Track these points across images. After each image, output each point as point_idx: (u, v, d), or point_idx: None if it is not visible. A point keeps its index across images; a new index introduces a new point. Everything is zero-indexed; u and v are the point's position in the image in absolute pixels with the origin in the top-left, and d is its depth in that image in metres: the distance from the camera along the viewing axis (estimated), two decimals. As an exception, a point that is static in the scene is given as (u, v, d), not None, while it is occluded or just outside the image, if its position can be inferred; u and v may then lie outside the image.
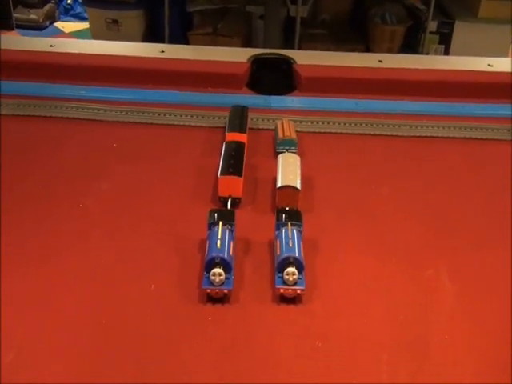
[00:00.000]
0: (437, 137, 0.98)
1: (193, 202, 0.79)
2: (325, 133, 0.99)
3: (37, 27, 2.59)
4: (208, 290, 0.62)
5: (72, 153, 0.89)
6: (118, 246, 0.71)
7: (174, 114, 0.99)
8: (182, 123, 0.98)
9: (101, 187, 0.81)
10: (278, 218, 0.71)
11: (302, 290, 0.63)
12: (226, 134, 0.88)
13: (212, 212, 0.71)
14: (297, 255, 0.65)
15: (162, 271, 0.67)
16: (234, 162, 0.80)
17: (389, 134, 0.99)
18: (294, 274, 0.63)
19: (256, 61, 1.12)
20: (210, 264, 0.63)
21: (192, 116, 1.00)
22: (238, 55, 1.13)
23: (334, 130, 0.99)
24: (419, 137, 0.98)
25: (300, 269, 0.64)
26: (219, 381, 0.55)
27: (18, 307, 0.62)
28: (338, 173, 0.88)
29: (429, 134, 0.98)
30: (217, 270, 0.62)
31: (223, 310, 0.62)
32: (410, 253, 0.72)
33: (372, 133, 0.99)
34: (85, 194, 0.79)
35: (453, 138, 0.98)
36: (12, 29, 2.53)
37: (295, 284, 0.63)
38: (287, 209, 0.73)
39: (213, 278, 0.62)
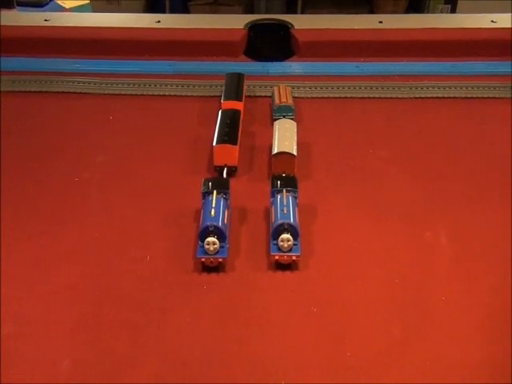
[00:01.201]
0: (438, 97, 0.95)
1: (189, 173, 0.77)
2: (323, 98, 0.95)
3: (37, 4, 2.54)
4: (203, 259, 0.61)
5: (68, 127, 0.88)
6: (113, 218, 0.70)
7: (169, 84, 0.97)
8: (177, 93, 0.95)
9: (96, 160, 0.80)
10: (273, 185, 0.69)
11: (298, 256, 0.62)
12: (222, 102, 0.86)
13: (206, 181, 0.69)
14: (292, 221, 0.63)
15: (157, 242, 0.66)
16: (230, 131, 0.78)
17: (389, 96, 0.95)
18: (288, 241, 0.62)
19: (253, 27, 1.09)
20: (204, 233, 0.62)
21: (188, 86, 0.97)
22: (235, 22, 1.09)
23: (332, 95, 0.96)
24: (420, 98, 0.94)
25: (295, 235, 0.63)
26: (215, 348, 0.55)
27: (17, 280, 0.62)
28: (336, 138, 0.85)
29: (430, 95, 0.95)
30: (211, 239, 0.61)
31: (218, 279, 0.61)
32: (408, 215, 0.70)
33: (372, 96, 0.95)
34: (80, 167, 0.78)
35: (454, 97, 0.94)
36: (13, 7, 2.49)
37: (290, 250, 0.62)
38: (283, 175, 0.71)
39: (207, 246, 0.61)
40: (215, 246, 0.61)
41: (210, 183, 0.68)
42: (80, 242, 0.66)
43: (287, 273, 0.62)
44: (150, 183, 0.75)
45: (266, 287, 0.61)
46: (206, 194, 0.67)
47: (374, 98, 0.95)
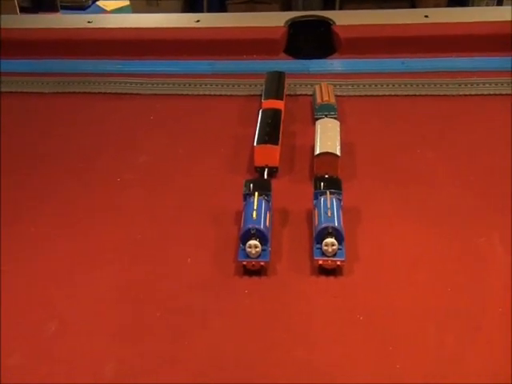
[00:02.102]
0: (489, 94, 0.90)
1: (229, 173, 0.75)
2: (367, 96, 0.92)
3: (80, 7, 2.60)
4: (244, 263, 0.60)
5: (110, 127, 0.88)
6: (154, 219, 0.69)
7: (208, 83, 0.96)
8: (217, 93, 0.94)
9: (138, 160, 0.79)
10: (316, 187, 0.66)
11: (342, 261, 0.59)
12: (262, 101, 0.84)
13: (247, 182, 0.67)
14: (336, 225, 0.60)
15: (198, 244, 0.65)
16: (270, 130, 0.76)
17: (437, 94, 0.91)
18: (333, 245, 0.59)
19: (293, 25, 1.06)
20: (246, 236, 0.60)
21: (227, 85, 0.96)
22: (274, 20, 1.07)
23: (376, 93, 0.92)
24: (470, 95, 0.90)
25: (340, 239, 0.60)
26: (256, 354, 0.53)
27: (62, 279, 0.62)
28: (381, 138, 0.82)
29: (480, 92, 0.90)
30: (253, 242, 0.59)
31: (260, 283, 0.59)
32: (459, 220, 0.66)
33: (418, 93, 0.91)
34: (123, 167, 0.78)
35: (506, 94, 0.89)
36: (57, 10, 2.55)
37: (335, 255, 0.59)
38: (326, 177, 0.69)
39: (249, 250, 0.59)
40: (257, 250, 0.59)
41: (252, 184, 0.66)
42: (122, 242, 0.66)
43: (331, 278, 0.60)
44: (190, 184, 0.74)
45: (309, 293, 0.58)
46: (248, 195, 0.65)
47: (420, 95, 0.91)
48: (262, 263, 0.60)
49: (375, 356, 0.52)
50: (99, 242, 0.66)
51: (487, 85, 0.91)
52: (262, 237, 0.60)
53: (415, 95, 0.91)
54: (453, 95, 0.90)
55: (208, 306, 0.57)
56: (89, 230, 0.68)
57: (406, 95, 0.91)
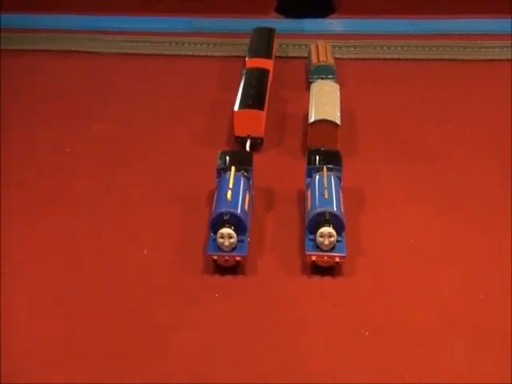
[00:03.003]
0: (505, 59, 0.75)
1: (204, 145, 0.60)
2: (371, 59, 0.77)
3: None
4: (215, 257, 0.45)
5: (64, 89, 0.72)
6: (105, 200, 0.53)
7: (186, 42, 0.80)
8: (195, 53, 0.79)
9: (93, 129, 0.64)
10: (310, 162, 0.51)
11: (343, 257, 0.45)
12: (246, 59, 0.69)
13: (223, 154, 0.52)
14: (335, 210, 0.46)
15: (157, 232, 0.50)
16: (255, 93, 0.61)
17: (451, 58, 0.77)
18: (330, 236, 0.45)
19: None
20: (218, 222, 0.45)
21: (207, 44, 0.80)
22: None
23: (382, 56, 0.77)
24: (487, 60, 0.76)
25: (339, 229, 0.45)
26: (226, 380, 0.39)
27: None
28: (389, 107, 0.66)
29: (497, 57, 0.76)
30: (226, 231, 0.44)
31: (235, 284, 0.44)
32: (485, 205, 0.52)
33: (430, 57, 0.77)
34: (73, 136, 0.63)
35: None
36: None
37: (333, 249, 0.45)
38: (322, 150, 0.54)
39: (221, 240, 0.45)
40: (231, 241, 0.45)
41: (228, 157, 0.51)
42: (65, 230, 0.50)
43: (328, 279, 0.45)
44: (156, 158, 0.59)
45: (299, 299, 0.44)
46: (222, 170, 0.50)
47: (431, 59, 0.76)
48: (238, 258, 0.45)
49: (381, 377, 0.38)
50: (41, 231, 0.51)
51: (505, 49, 0.76)
52: (238, 224, 0.45)
53: (426, 59, 0.76)
54: (470, 60, 0.76)
55: (164, 317, 0.42)
56: (23, 214, 0.53)
57: (415, 59, 0.77)
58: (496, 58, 0.76)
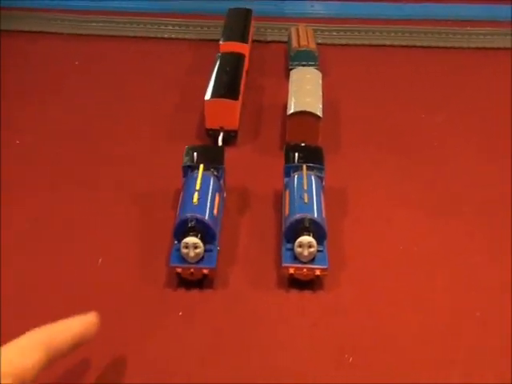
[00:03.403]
0: (501, 48, 0.70)
1: (171, 139, 0.53)
2: (356, 45, 0.71)
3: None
4: (179, 270, 0.39)
5: (19, 73, 0.64)
6: (60, 201, 0.47)
7: (155, 24, 0.73)
8: (164, 35, 0.72)
9: (48, 116, 0.56)
10: (289, 159, 0.45)
11: (324, 269, 0.39)
12: (220, 43, 0.62)
13: (190, 150, 0.45)
14: (315, 216, 0.40)
15: (115, 239, 0.43)
16: (229, 81, 0.55)
17: (442, 45, 0.72)
18: (310, 246, 0.39)
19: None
20: (182, 230, 0.39)
21: (179, 26, 0.73)
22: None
23: (368, 42, 0.71)
24: (478, 48, 0.70)
25: (320, 237, 0.40)
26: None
27: None
28: (374, 96, 0.61)
29: (491, 45, 0.71)
30: (191, 240, 0.38)
31: (201, 301, 0.38)
32: (482, 208, 0.47)
33: (417, 44, 0.72)
34: (24, 127, 0.55)
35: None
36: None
37: (313, 261, 0.39)
38: (302, 145, 0.48)
39: (185, 251, 0.38)
40: (197, 251, 0.38)
41: (196, 153, 0.45)
42: (15, 231, 0.44)
43: (307, 294, 0.39)
44: (116, 152, 0.52)
45: (275, 317, 0.38)
46: (189, 169, 0.44)
47: (419, 46, 0.71)
48: (205, 271, 0.39)
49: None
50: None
51: (502, 36, 0.71)
52: (205, 231, 0.39)
53: (415, 46, 0.71)
54: (461, 47, 0.71)
55: (118, 338, 0.36)
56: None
57: (402, 45, 0.71)
58: (487, 45, 0.71)
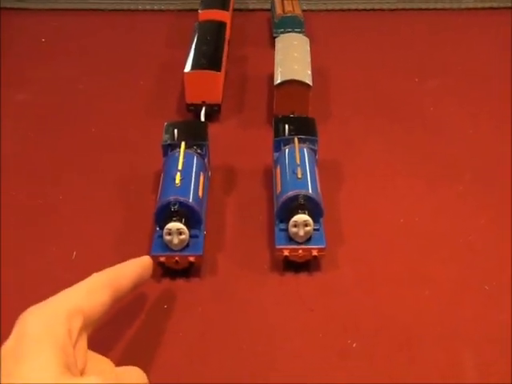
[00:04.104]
0: (494, 8, 0.66)
1: (150, 116, 0.49)
2: (342, 10, 0.66)
3: None
4: (162, 259, 0.35)
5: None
6: (29, 185, 0.42)
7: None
8: (139, 7, 0.66)
9: (16, 98, 0.51)
10: (278, 132, 0.41)
11: (322, 249, 0.35)
12: (199, 11, 0.57)
13: (170, 126, 0.41)
14: (310, 192, 0.36)
15: (90, 228, 0.39)
16: (210, 51, 0.50)
17: (431, 7, 0.67)
18: (306, 225, 0.35)
19: None
20: (164, 215, 0.35)
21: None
22: None
23: (354, 6, 0.66)
24: (469, 9, 0.65)
25: (316, 215, 0.36)
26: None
27: None
28: (365, 63, 0.56)
29: (481, 6, 0.66)
30: (174, 226, 0.34)
31: (188, 291, 0.35)
32: (484, 176, 0.43)
33: (409, 7, 0.67)
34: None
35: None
36: None
37: (309, 241, 0.36)
38: (292, 116, 0.44)
39: (168, 238, 0.34)
40: (182, 237, 0.34)
41: (176, 130, 0.40)
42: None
43: (303, 277, 0.35)
44: (93, 131, 0.47)
45: (269, 303, 0.34)
46: (169, 147, 0.39)
47: (410, 9, 0.66)
48: (192, 259, 0.35)
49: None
50: None
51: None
52: (190, 216, 0.35)
53: (404, 9, 0.66)
54: (452, 9, 0.66)
55: (97, 337, 0.32)
56: None
57: (392, 9, 0.66)
58: (479, 6, 0.66)
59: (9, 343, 0.23)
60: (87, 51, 0.58)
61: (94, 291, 0.26)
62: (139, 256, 0.35)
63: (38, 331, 0.23)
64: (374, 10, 0.66)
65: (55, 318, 0.23)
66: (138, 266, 0.30)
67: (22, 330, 0.23)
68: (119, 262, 0.35)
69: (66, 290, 0.25)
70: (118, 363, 0.31)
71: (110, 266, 0.36)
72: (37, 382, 0.21)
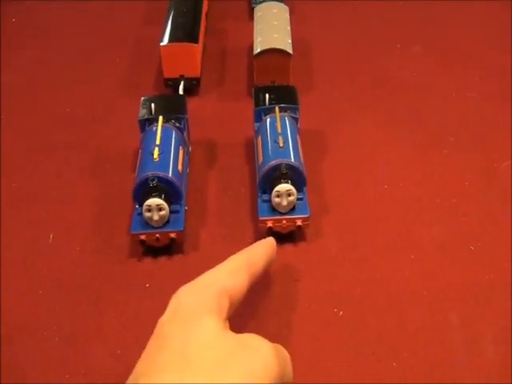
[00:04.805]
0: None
1: (125, 92, 0.47)
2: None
3: None
4: (142, 237, 0.33)
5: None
6: (3, 169, 0.40)
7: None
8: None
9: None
10: (259, 101, 0.39)
11: (306, 218, 0.34)
12: (174, -16, 0.55)
13: (146, 101, 0.39)
14: (293, 161, 0.34)
15: (68, 208, 0.37)
16: (187, 23, 0.47)
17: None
18: (289, 195, 0.34)
19: None
20: (143, 191, 0.33)
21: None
22: None
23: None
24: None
25: (299, 184, 0.34)
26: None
27: None
28: (346, 31, 0.54)
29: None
30: (154, 201, 0.32)
31: (171, 268, 0.33)
32: (471, 141, 0.42)
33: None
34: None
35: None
36: None
37: (293, 210, 0.34)
38: (272, 86, 0.42)
39: (148, 214, 0.33)
40: (162, 213, 0.33)
41: (154, 104, 0.38)
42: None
43: (288, 247, 0.34)
44: (68, 109, 0.45)
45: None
46: (147, 122, 0.38)
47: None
48: (173, 235, 0.33)
49: (368, 375, 0.29)
50: None
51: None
52: (170, 191, 0.33)
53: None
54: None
55: (82, 319, 0.31)
56: None
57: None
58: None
59: (165, 316, 0.23)
60: (62, 32, 0.55)
61: (235, 273, 0.26)
62: (118, 235, 0.34)
63: (192, 304, 0.23)
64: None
65: (207, 295, 0.24)
66: (267, 247, 0.29)
67: (177, 304, 0.24)
68: (98, 243, 0.34)
69: (210, 271, 0.26)
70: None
71: (90, 246, 0.35)
72: (205, 337, 0.21)
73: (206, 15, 0.53)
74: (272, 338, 0.27)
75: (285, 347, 0.24)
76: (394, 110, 0.45)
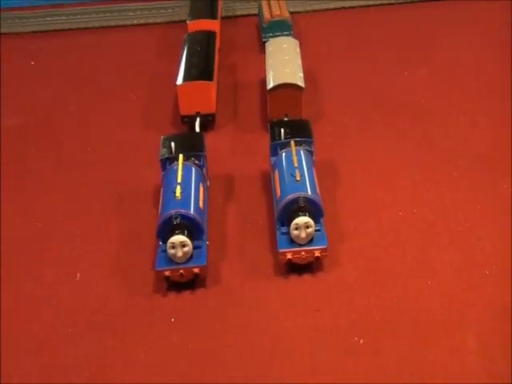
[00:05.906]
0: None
1: (143, 129, 0.48)
2: (328, 10, 0.66)
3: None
4: (167, 273, 0.34)
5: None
6: (28, 204, 0.41)
7: (115, 11, 0.67)
8: (127, 23, 0.65)
9: (7, 124, 0.50)
10: (274, 136, 0.40)
11: (324, 249, 0.35)
12: (188, 22, 0.56)
13: (166, 140, 0.40)
14: (310, 194, 0.36)
15: (93, 248, 0.38)
16: (201, 62, 0.49)
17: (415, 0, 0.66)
18: (308, 227, 0.34)
19: None
20: (167, 229, 0.34)
21: (141, 10, 0.67)
22: None
23: (340, 5, 0.65)
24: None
25: (317, 216, 0.35)
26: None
27: None
28: (353, 59, 0.55)
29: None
30: (178, 239, 0.33)
31: (195, 302, 0.34)
32: (481, 166, 0.42)
33: (394, 1, 0.66)
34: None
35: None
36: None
37: (311, 242, 0.35)
38: (286, 120, 0.43)
39: (172, 251, 0.34)
40: (186, 250, 0.34)
41: (173, 143, 0.40)
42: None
43: (307, 278, 0.35)
44: (88, 148, 0.46)
45: (275, 307, 0.34)
46: (167, 161, 0.39)
47: (395, 3, 0.65)
48: (196, 270, 0.34)
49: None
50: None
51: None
52: (192, 227, 0.34)
53: (389, 4, 0.65)
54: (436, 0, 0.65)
55: (109, 355, 0.31)
56: None
57: (377, 4, 0.65)
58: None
59: None
60: (77, 70, 0.57)
61: None
62: (142, 272, 0.35)
63: None
64: (359, 6, 0.65)
65: None
66: None
67: None
68: (124, 281, 0.35)
69: None
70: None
71: (115, 284, 0.35)
72: None
73: (219, 51, 0.55)
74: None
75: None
76: (406, 136, 0.46)
